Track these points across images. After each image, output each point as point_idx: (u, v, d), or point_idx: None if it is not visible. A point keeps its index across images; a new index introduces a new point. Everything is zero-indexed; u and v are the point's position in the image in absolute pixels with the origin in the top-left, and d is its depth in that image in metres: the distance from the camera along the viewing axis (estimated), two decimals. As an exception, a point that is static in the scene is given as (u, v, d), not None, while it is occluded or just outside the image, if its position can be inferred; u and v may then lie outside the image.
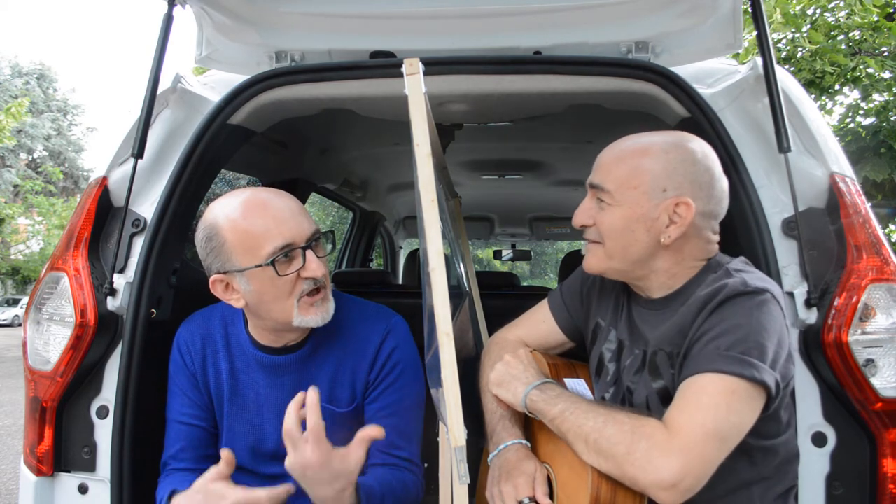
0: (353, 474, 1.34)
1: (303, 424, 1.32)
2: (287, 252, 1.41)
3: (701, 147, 1.33)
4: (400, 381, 1.60)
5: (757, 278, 1.26)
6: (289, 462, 1.31)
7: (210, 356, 1.62)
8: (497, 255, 7.09)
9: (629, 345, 1.42)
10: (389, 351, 1.60)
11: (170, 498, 1.44)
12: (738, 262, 1.34)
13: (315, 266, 1.43)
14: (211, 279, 1.48)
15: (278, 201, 1.45)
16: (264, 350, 1.59)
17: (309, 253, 1.43)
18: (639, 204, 1.29)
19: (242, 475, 1.61)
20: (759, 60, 1.57)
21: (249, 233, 1.40)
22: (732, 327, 1.18)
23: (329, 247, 1.54)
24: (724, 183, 1.34)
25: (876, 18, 7.23)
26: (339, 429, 1.57)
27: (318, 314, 1.47)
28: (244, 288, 1.45)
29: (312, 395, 1.30)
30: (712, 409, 1.14)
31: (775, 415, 1.26)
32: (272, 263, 1.40)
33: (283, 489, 1.34)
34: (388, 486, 1.50)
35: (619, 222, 1.31)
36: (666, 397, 1.28)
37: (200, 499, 1.37)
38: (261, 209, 1.42)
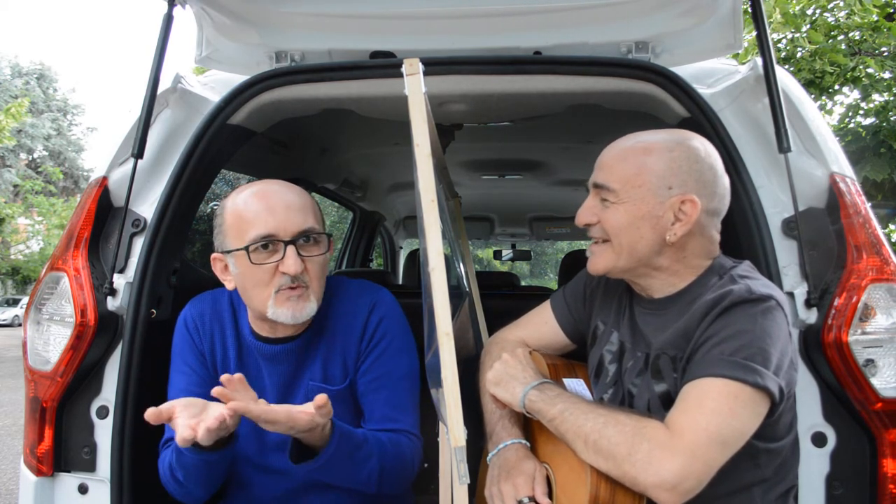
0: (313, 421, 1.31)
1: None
2: (267, 243, 1.44)
3: (703, 145, 1.33)
4: (388, 352, 1.60)
5: (762, 285, 1.26)
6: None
7: (218, 336, 1.63)
8: (497, 255, 7.10)
9: (631, 347, 1.41)
10: (376, 323, 1.60)
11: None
12: (743, 268, 1.33)
13: (290, 263, 1.43)
14: (212, 257, 1.54)
15: (280, 193, 1.49)
16: (263, 340, 1.60)
17: (290, 248, 1.44)
18: (644, 201, 1.29)
19: (248, 467, 1.62)
20: (759, 60, 1.57)
21: (242, 217, 1.46)
22: (737, 333, 1.18)
23: (321, 242, 1.51)
24: (725, 180, 1.35)
25: (876, 18, 7.23)
26: (337, 407, 1.58)
27: (290, 310, 1.46)
28: (233, 270, 1.50)
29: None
30: (715, 413, 1.14)
31: (779, 418, 1.26)
32: (247, 249, 1.43)
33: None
34: (375, 437, 1.50)
35: (625, 219, 1.31)
36: (668, 401, 1.27)
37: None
38: (260, 197, 1.47)
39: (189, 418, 1.25)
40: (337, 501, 1.60)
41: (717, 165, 1.32)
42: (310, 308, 1.49)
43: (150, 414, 1.25)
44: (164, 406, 1.28)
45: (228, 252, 1.48)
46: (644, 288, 1.40)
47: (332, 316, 1.62)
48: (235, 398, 1.24)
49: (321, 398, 1.28)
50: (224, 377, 1.26)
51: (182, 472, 1.45)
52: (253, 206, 1.46)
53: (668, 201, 1.28)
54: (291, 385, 1.60)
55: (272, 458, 1.60)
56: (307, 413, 1.28)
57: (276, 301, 1.46)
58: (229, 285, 1.54)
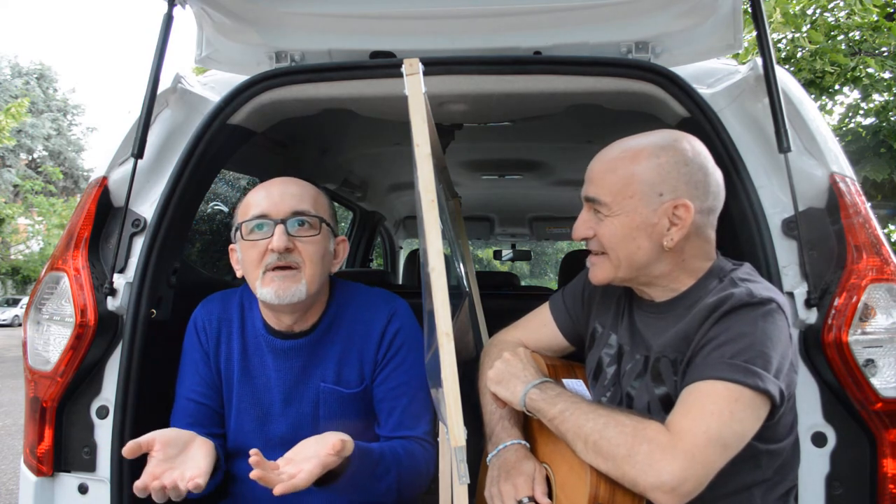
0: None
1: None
2: (262, 223, 1.52)
3: (691, 145, 1.32)
4: (406, 361, 1.63)
5: (763, 288, 1.26)
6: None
7: (224, 336, 1.67)
8: (497, 255, 7.09)
9: (630, 349, 1.41)
10: (394, 332, 1.64)
11: None
12: (744, 271, 1.33)
13: (277, 239, 1.49)
14: (229, 247, 1.65)
15: (281, 183, 1.58)
16: (274, 334, 1.62)
17: (278, 227, 1.50)
18: (637, 212, 1.29)
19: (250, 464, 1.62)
20: (759, 60, 1.57)
21: (246, 203, 1.58)
22: (738, 336, 1.18)
23: (312, 224, 1.54)
24: (718, 176, 1.33)
25: (876, 18, 7.24)
26: (348, 409, 1.61)
27: (273, 287, 1.49)
28: (238, 256, 1.60)
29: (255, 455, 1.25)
30: (716, 416, 1.14)
31: (780, 420, 1.26)
32: (239, 227, 1.54)
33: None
34: (391, 450, 1.53)
35: (620, 232, 1.31)
36: (668, 404, 1.27)
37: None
38: (265, 186, 1.58)
39: (158, 464, 1.28)
40: (337, 500, 1.60)
41: (706, 164, 1.31)
42: (297, 290, 1.50)
43: (129, 449, 1.26)
44: (144, 439, 1.29)
45: (234, 237, 1.58)
46: (646, 292, 1.40)
47: (348, 319, 1.65)
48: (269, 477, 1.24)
49: (338, 445, 1.28)
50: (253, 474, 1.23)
51: None
52: (256, 195, 1.57)
53: (660, 208, 1.28)
54: (299, 383, 1.62)
55: (276, 454, 1.61)
56: (331, 456, 1.28)
57: (263, 281, 1.51)
58: (238, 273, 1.61)
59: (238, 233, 1.56)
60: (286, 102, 1.85)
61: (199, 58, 1.92)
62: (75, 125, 38.35)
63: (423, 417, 1.63)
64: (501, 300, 3.07)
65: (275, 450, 1.60)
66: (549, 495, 1.33)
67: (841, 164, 1.57)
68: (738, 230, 1.62)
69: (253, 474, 1.22)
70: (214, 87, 1.94)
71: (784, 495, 1.33)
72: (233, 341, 1.66)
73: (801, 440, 1.42)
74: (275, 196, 1.54)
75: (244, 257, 1.56)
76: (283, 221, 1.51)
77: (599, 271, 1.38)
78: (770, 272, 1.52)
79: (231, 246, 1.64)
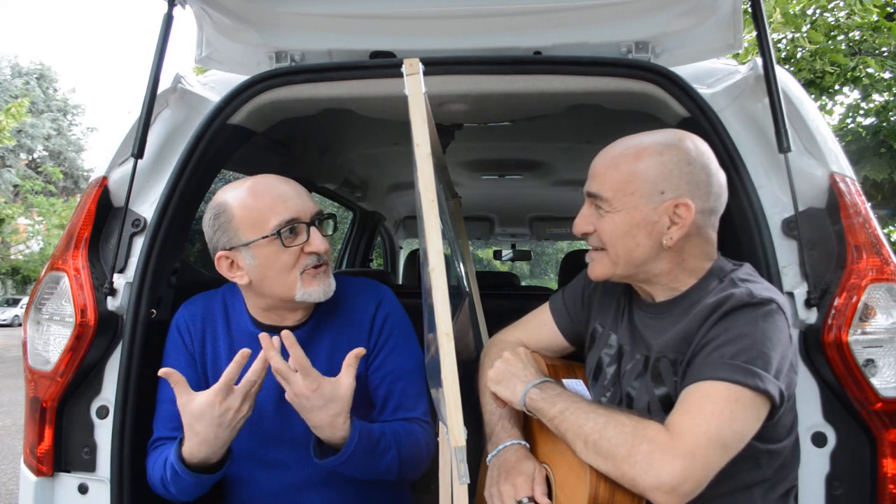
0: (345, 400, 1.41)
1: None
2: (292, 227, 1.49)
3: (695, 144, 1.32)
4: (398, 346, 1.66)
5: (763, 288, 1.26)
6: (288, 394, 1.41)
7: (209, 337, 1.65)
8: (497, 255, 7.09)
9: (630, 350, 1.41)
10: (384, 318, 1.66)
11: (179, 446, 1.46)
12: (744, 271, 1.33)
13: (318, 241, 1.51)
14: (216, 256, 1.55)
15: (283, 183, 1.56)
16: (265, 329, 1.61)
17: (313, 229, 1.51)
18: (637, 209, 1.29)
19: (248, 463, 1.62)
20: (759, 60, 1.57)
21: (256, 208, 1.49)
22: (738, 336, 1.18)
23: (330, 223, 1.61)
24: (721, 177, 1.33)
25: (876, 18, 7.24)
26: None
27: (321, 287, 1.53)
28: (248, 263, 1.51)
29: (288, 336, 1.38)
30: (715, 416, 1.14)
31: (779, 420, 1.26)
32: (278, 234, 1.47)
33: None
34: (391, 428, 1.55)
35: (620, 228, 1.31)
36: (668, 404, 1.27)
37: (192, 422, 1.40)
38: (268, 188, 1.53)
39: None
40: (336, 498, 1.61)
41: (710, 164, 1.31)
42: (332, 282, 1.56)
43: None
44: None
45: (247, 245, 1.49)
46: (646, 291, 1.40)
47: (336, 310, 1.65)
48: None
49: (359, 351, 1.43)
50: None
51: (176, 488, 1.48)
52: (267, 197, 1.50)
53: (661, 206, 1.28)
54: None
55: (272, 450, 1.61)
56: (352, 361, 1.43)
57: (303, 282, 1.51)
58: (241, 280, 1.54)
59: (270, 238, 1.47)
60: (286, 102, 1.85)
61: (199, 58, 1.93)
62: (75, 125, 38.34)
63: (420, 398, 1.65)
64: (501, 300, 3.07)
65: (271, 446, 1.61)
66: (549, 495, 1.34)
67: (841, 164, 1.57)
68: (739, 230, 1.62)
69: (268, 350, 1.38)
70: (214, 87, 1.94)
71: (784, 495, 1.33)
72: (218, 341, 1.65)
73: (801, 440, 1.42)
74: (294, 198, 1.51)
75: (270, 264, 1.49)
76: (315, 223, 1.53)
77: (598, 267, 1.38)
78: (770, 272, 1.52)
79: (222, 254, 1.53)
